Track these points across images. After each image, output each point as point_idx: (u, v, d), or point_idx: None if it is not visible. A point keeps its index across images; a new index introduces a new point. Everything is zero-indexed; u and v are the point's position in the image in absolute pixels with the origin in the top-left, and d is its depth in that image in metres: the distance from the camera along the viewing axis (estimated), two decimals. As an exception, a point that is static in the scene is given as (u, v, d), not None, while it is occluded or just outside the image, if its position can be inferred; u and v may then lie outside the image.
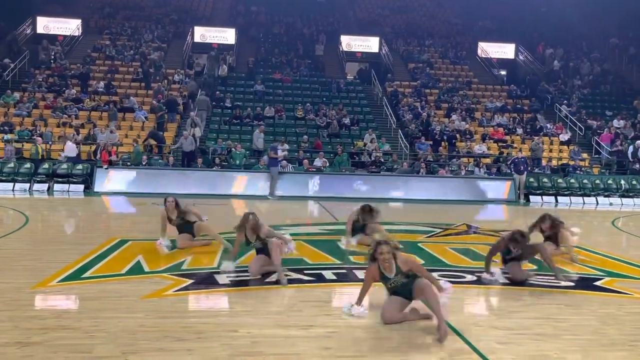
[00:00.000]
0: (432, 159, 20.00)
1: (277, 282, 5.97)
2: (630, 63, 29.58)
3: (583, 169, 20.55)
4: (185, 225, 7.95)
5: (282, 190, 17.02)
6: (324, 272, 6.57)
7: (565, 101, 25.22)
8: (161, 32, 28.38)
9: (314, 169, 18.43)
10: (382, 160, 19.61)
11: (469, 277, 6.54)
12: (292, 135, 21.19)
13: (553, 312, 5.30)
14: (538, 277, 6.72)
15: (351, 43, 28.79)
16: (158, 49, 26.33)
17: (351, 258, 7.53)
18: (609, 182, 19.37)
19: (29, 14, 27.56)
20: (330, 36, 29.78)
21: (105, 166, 17.22)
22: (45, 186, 16.62)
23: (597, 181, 19.32)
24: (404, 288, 4.76)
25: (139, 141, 18.79)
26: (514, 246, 6.21)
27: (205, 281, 6.09)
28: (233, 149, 18.90)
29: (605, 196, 18.91)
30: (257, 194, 16.94)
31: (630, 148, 21.18)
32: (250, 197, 16.41)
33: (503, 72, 29.43)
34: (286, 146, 19.56)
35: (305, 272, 6.55)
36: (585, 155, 21.74)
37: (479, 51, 29.92)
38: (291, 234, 8.26)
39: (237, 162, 18.47)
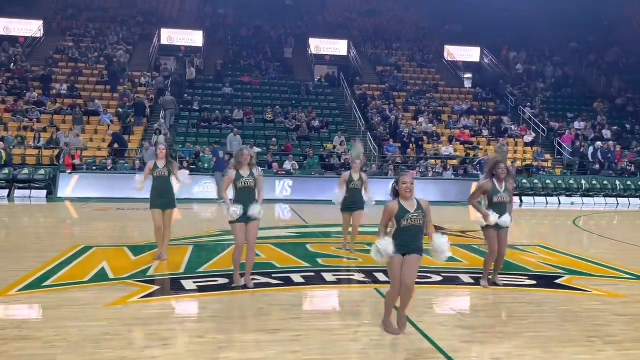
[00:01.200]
0: (400, 161, 20.23)
1: (245, 287, 5.94)
2: (590, 67, 30.57)
3: (546, 169, 21.13)
4: (165, 180, 7.33)
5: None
6: (292, 276, 6.57)
7: (528, 103, 25.88)
8: (127, 34, 27.90)
9: (284, 172, 18.42)
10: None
11: (435, 278, 6.64)
12: (261, 138, 21.13)
13: (515, 310, 5.44)
14: (502, 276, 6.89)
15: (320, 46, 28.90)
16: (123, 50, 25.91)
17: (319, 261, 7.55)
18: (571, 182, 19.98)
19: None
20: (298, 39, 29.82)
21: (69, 171, 16.82)
22: (5, 192, 16.13)
23: (560, 181, 19.90)
24: (417, 228, 4.55)
25: (104, 145, 18.44)
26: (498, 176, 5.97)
27: (172, 287, 6.02)
28: (202, 152, 18.72)
29: (567, 196, 19.51)
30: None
31: (590, 149, 21.88)
32: (218, 201, 16.27)
33: (469, 75, 30.01)
34: (256, 149, 19.50)
35: (274, 275, 6.54)
36: (548, 156, 22.35)
37: (446, 54, 30.45)
38: (259, 238, 8.24)
39: (206, 165, 18.30)
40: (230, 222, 5.96)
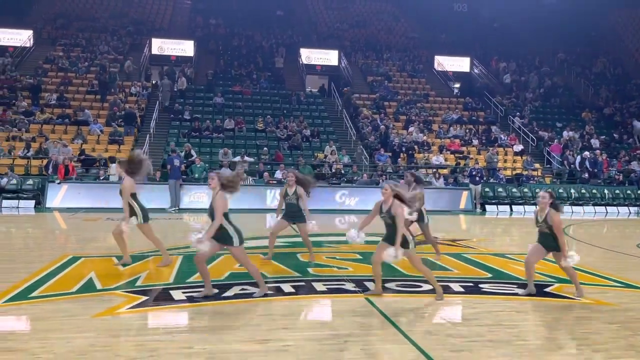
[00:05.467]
0: (391, 170, 20.29)
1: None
2: (578, 77, 30.95)
3: (535, 178, 21.27)
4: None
5: (242, 203, 16.47)
6: (282, 285, 6.54)
7: (518, 113, 26.11)
8: (117, 44, 27.86)
9: (275, 182, 18.39)
10: (343, 171, 19.76)
11: (426, 287, 6.64)
12: (252, 148, 21.12)
13: (505, 318, 5.44)
14: (493, 284, 6.91)
15: (311, 56, 29.03)
16: (115, 60, 25.90)
17: (310, 270, 7.52)
18: (560, 191, 20.11)
19: (-23, 24, 26.61)
20: (289, 49, 29.94)
21: (58, 181, 16.68)
22: (-7, 202, 15.96)
23: (549, 190, 20.01)
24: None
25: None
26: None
27: (160, 297, 5.97)
28: (194, 162, 18.64)
29: (557, 205, 19.59)
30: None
31: (578, 158, 22.09)
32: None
33: (458, 85, 30.26)
34: (247, 159, 19.51)
35: (264, 285, 6.50)
36: (537, 165, 22.51)
37: (436, 64, 30.69)
38: (251, 247, 8.22)
39: (196, 175, 18.23)
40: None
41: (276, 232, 8.27)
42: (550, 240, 6.17)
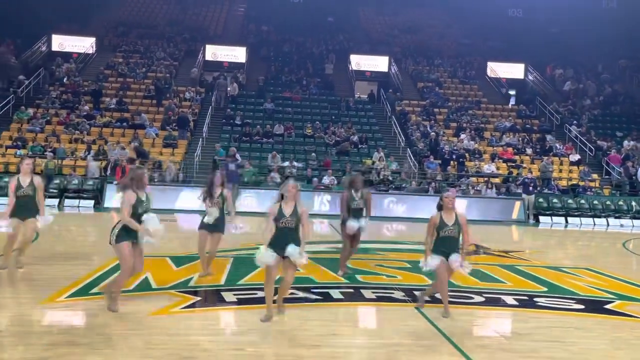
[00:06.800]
0: (441, 178, 19.97)
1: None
2: (641, 84, 29.52)
3: (593, 189, 20.39)
4: (29, 202, 6.92)
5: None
6: (331, 291, 6.55)
7: (575, 122, 25.15)
8: (173, 50, 28.79)
9: (323, 187, 18.47)
10: (391, 178, 19.61)
11: (477, 298, 6.50)
12: (301, 153, 21.29)
13: (563, 335, 5.24)
14: (548, 299, 6.68)
15: (360, 62, 29.01)
16: (169, 66, 26.76)
17: (358, 277, 7.50)
18: (620, 203, 19.20)
19: (44, 31, 28.10)
20: (339, 55, 30.04)
21: (116, 182, 17.34)
22: (55, 201, 16.76)
23: (608, 202, 19.16)
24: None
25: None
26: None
27: (212, 299, 6.10)
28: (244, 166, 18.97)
29: (616, 217, 18.73)
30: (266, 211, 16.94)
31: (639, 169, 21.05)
32: (260, 214, 16.41)
33: (512, 92, 29.45)
34: (295, 164, 19.68)
35: (313, 290, 6.54)
36: (595, 176, 21.58)
37: (488, 71, 30.01)
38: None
39: (246, 179, 18.53)
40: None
41: None
42: (455, 245, 5.71)
